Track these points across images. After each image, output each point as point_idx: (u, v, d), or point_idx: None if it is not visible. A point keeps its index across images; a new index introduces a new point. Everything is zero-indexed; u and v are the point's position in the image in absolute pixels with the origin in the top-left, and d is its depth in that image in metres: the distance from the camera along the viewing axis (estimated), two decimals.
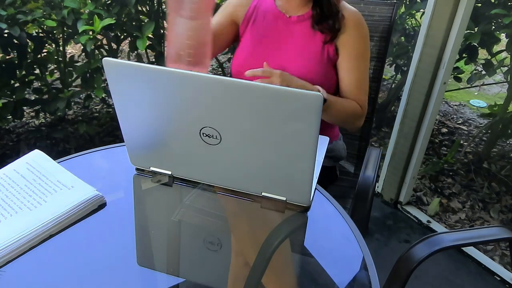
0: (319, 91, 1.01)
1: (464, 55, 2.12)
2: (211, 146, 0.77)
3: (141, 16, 2.13)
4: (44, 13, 1.79)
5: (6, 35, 1.76)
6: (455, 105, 3.16)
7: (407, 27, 2.55)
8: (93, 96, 2.07)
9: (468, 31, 1.92)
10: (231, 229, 0.84)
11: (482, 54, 2.20)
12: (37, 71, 2.02)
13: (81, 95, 2.09)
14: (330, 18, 1.08)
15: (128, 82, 0.76)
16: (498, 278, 1.66)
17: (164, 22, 2.28)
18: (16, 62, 1.89)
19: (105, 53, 2.07)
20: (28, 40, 1.83)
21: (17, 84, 1.92)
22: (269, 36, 1.15)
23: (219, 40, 1.17)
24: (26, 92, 1.94)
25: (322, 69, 1.11)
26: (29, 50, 1.95)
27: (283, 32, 1.14)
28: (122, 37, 2.06)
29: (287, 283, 0.71)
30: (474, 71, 2.29)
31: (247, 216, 0.86)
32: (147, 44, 1.88)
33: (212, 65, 3.67)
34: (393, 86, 2.84)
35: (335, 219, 0.84)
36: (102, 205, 0.82)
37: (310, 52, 1.11)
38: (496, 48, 2.15)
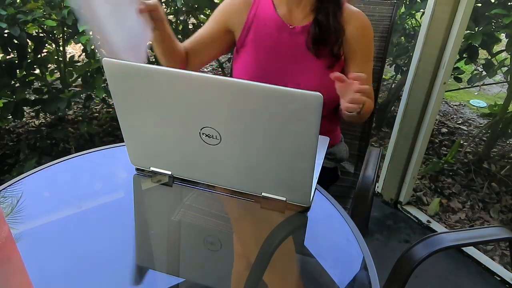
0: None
1: (464, 55, 2.12)
2: (211, 146, 0.77)
3: None
4: (44, 13, 1.79)
5: (6, 35, 1.75)
6: (455, 105, 3.16)
7: (407, 27, 2.55)
8: (93, 96, 2.07)
9: (468, 31, 1.92)
10: (232, 230, 0.84)
11: (482, 54, 2.20)
12: (37, 71, 2.02)
13: (81, 95, 2.08)
14: (330, 36, 1.03)
15: (128, 82, 0.76)
16: (498, 278, 1.66)
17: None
18: (16, 62, 1.89)
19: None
20: (28, 40, 1.83)
21: (17, 84, 1.92)
22: (274, 49, 1.08)
23: (210, 48, 1.12)
24: (26, 92, 1.94)
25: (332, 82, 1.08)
26: (29, 50, 1.94)
27: (289, 45, 1.07)
28: None
29: (289, 283, 0.71)
30: (475, 72, 2.29)
31: (247, 216, 0.86)
32: None
33: (212, 64, 3.66)
34: (393, 86, 2.84)
35: (335, 219, 0.84)
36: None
37: (319, 65, 1.06)
38: (496, 48, 2.15)
